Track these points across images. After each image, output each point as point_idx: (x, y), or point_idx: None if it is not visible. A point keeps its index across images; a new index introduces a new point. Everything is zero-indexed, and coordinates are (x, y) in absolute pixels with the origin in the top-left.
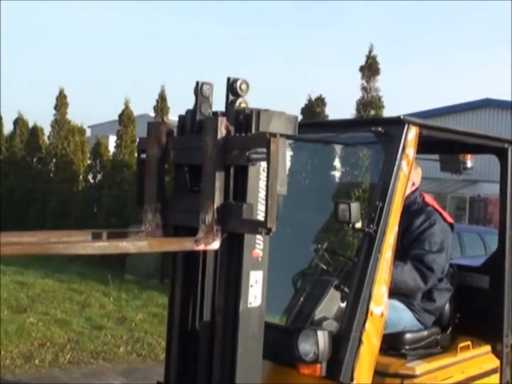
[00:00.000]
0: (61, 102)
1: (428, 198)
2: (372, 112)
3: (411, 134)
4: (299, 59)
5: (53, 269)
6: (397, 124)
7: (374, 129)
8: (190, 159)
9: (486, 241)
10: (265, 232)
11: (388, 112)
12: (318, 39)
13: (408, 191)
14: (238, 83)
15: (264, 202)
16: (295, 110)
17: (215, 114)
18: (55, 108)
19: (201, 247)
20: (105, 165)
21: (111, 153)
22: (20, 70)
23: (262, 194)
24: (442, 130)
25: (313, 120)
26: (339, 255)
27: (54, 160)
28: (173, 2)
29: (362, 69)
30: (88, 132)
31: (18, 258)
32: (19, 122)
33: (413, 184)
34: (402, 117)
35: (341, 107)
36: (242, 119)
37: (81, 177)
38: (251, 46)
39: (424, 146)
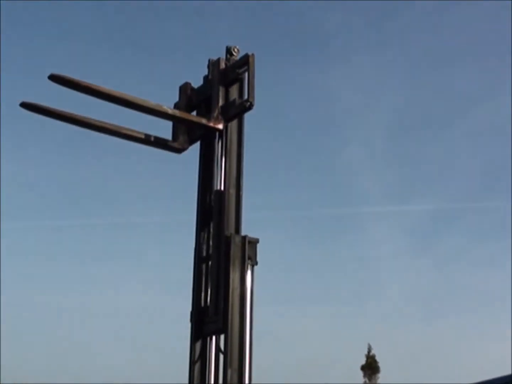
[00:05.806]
0: None
1: None
2: None
3: None
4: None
5: None
6: None
7: None
8: (204, 94)
9: None
10: (248, 105)
11: None
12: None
13: None
14: (232, 47)
15: None
16: None
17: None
18: None
19: (211, 124)
20: None
21: None
22: None
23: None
24: None
25: None
26: None
27: None
28: None
29: (363, 368)
30: None
31: None
32: None
33: None
34: None
35: None
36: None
37: None
38: None
39: None
